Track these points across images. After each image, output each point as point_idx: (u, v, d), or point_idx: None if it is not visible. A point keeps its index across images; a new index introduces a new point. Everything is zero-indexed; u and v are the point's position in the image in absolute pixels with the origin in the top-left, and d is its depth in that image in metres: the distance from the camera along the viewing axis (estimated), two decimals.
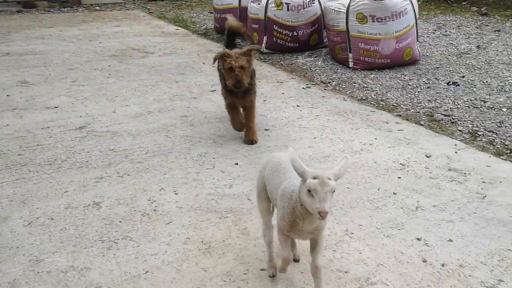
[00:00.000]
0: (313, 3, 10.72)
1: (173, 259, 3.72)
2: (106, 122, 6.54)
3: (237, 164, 5.40)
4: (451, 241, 4.08)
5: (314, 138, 6.23)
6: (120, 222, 4.19)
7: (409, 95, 8.14)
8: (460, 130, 6.57)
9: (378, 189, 4.94)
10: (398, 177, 5.22)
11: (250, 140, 5.96)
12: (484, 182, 5.13)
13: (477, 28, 12.94)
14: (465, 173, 5.31)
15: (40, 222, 4.13)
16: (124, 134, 6.14)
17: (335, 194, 2.78)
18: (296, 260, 3.69)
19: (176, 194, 4.71)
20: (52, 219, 4.19)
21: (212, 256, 3.78)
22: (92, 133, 6.13)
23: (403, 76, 9.16)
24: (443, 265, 3.76)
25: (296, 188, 2.96)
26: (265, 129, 6.44)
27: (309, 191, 2.73)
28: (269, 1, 10.50)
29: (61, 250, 3.76)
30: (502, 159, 5.72)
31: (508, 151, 5.90)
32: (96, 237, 3.96)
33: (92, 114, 6.79)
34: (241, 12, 12.07)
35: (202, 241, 3.96)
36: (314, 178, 2.67)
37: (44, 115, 6.65)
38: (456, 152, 5.86)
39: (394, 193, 4.86)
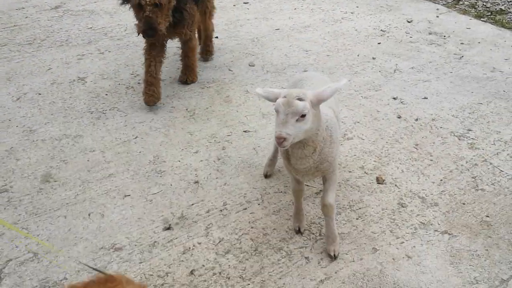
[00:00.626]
0: None
1: (160, 125, 3.89)
2: (81, 1, 6.33)
3: (217, 37, 5.38)
4: (426, 98, 4.27)
5: (295, 9, 6.14)
6: (106, 95, 4.29)
7: None
8: None
9: (358, 55, 5.02)
10: (378, 43, 5.27)
11: (186, 79, 4.45)
12: (462, 43, 5.21)
13: None
14: (444, 36, 5.37)
15: (28, 97, 4.22)
16: (100, 12, 6.00)
17: (309, 118, 2.22)
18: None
19: None
20: (40, 94, 4.27)
21: (197, 121, 3.95)
22: (69, 12, 5.97)
23: None
24: (416, 119, 3.99)
25: None
26: (244, 2, 6.30)
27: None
28: None
29: (52, 121, 3.90)
30: (482, 21, 5.75)
31: (489, 13, 5.91)
32: (85, 109, 4.08)
33: None
34: None
35: (187, 109, 4.11)
36: (284, 97, 2.23)
37: None
38: (437, 17, 5.86)
39: (373, 58, 4.95)
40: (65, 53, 4.97)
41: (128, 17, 5.82)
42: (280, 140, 2.17)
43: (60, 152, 3.56)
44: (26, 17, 5.77)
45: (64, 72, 4.62)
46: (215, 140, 3.72)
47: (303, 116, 2.19)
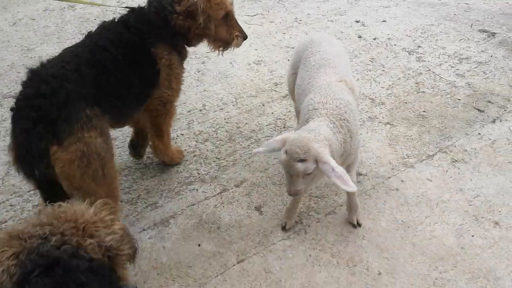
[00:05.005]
0: None
1: None
2: None
3: None
4: (385, 21, 4.77)
5: None
6: (95, 19, 4.69)
7: None
8: None
9: None
10: None
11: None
12: None
13: None
14: None
15: (23, 22, 4.62)
16: None
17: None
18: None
19: None
20: (33, 19, 4.67)
21: None
22: None
23: None
24: (374, 39, 4.49)
25: (312, 113, 2.30)
26: None
27: None
28: None
29: (47, 42, 4.33)
30: None
31: None
32: (76, 31, 4.51)
33: None
34: None
35: None
36: (286, 152, 2.11)
37: None
38: None
39: None
40: None
41: None
42: (292, 195, 2.26)
43: None
44: None
45: (55, 1, 4.99)
46: (195, 56, 4.20)
47: (309, 174, 2.11)
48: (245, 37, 2.78)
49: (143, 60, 2.42)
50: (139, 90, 2.43)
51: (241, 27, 2.76)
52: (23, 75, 3.89)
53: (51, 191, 2.06)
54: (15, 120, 2.01)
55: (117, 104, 2.28)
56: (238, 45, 2.76)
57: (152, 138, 2.86)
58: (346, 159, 2.37)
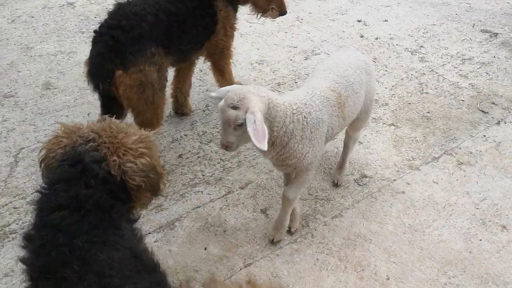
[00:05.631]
0: None
1: None
2: None
3: None
4: (386, 21, 4.75)
5: None
6: (95, 17, 4.64)
7: None
8: None
9: None
10: None
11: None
12: None
13: None
14: None
15: (22, 20, 4.55)
16: None
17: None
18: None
19: None
20: (32, 17, 4.61)
21: None
22: None
23: None
24: (376, 38, 4.47)
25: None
26: None
27: None
28: None
29: (47, 40, 4.28)
30: None
31: None
32: (76, 29, 4.45)
33: None
34: None
35: None
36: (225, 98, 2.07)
37: None
38: None
39: None
40: None
41: None
42: (223, 147, 2.14)
43: (57, 65, 3.97)
44: None
45: None
46: None
47: (240, 125, 2.00)
48: (282, 13, 3.20)
49: (206, 11, 2.92)
50: (201, 36, 2.98)
51: (282, 2, 3.17)
52: (23, 74, 3.88)
53: (110, 107, 2.64)
54: (95, 42, 2.56)
55: (182, 48, 2.85)
56: (272, 17, 3.23)
57: (215, 75, 3.39)
58: (288, 160, 2.25)
